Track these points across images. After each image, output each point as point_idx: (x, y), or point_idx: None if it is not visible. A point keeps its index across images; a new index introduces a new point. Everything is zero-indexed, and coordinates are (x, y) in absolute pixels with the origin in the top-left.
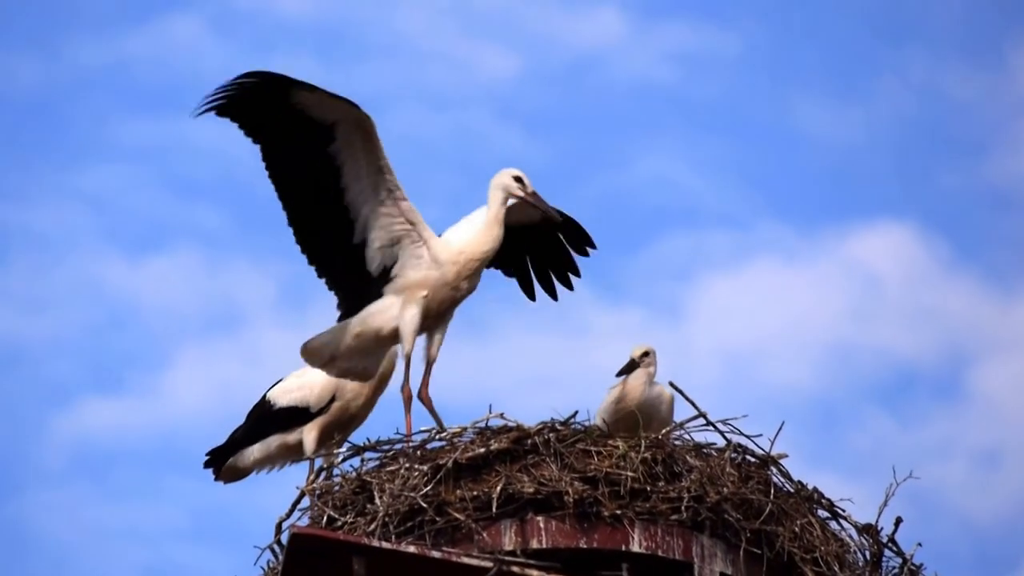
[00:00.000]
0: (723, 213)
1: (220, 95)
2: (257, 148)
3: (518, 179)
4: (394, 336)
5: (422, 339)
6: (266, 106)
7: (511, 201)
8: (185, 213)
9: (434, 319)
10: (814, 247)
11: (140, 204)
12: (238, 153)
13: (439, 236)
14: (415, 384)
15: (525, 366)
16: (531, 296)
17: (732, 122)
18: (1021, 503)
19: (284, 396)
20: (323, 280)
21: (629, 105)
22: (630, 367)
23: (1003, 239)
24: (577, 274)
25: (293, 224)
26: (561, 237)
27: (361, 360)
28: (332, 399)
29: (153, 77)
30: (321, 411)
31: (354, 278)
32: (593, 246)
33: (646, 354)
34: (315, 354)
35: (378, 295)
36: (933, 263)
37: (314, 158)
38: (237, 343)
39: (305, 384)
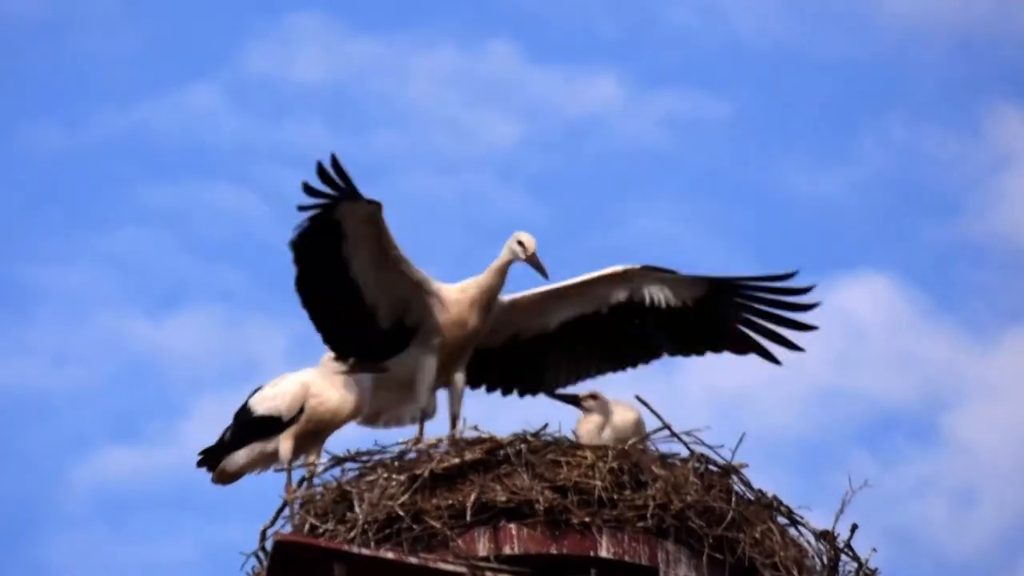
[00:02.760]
0: (712, 267)
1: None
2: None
3: (520, 242)
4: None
5: (444, 397)
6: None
7: (517, 260)
8: (204, 273)
9: (450, 367)
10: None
11: (161, 264)
12: (254, 215)
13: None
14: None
15: (520, 409)
16: (774, 360)
17: (721, 182)
18: (994, 540)
19: (261, 405)
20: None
21: (625, 168)
22: (572, 400)
23: (978, 290)
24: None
25: (311, 312)
26: (762, 295)
27: (391, 402)
28: (302, 409)
29: (174, 143)
30: (293, 420)
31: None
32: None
33: (594, 397)
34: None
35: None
36: (912, 313)
37: (327, 252)
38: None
39: (278, 394)
